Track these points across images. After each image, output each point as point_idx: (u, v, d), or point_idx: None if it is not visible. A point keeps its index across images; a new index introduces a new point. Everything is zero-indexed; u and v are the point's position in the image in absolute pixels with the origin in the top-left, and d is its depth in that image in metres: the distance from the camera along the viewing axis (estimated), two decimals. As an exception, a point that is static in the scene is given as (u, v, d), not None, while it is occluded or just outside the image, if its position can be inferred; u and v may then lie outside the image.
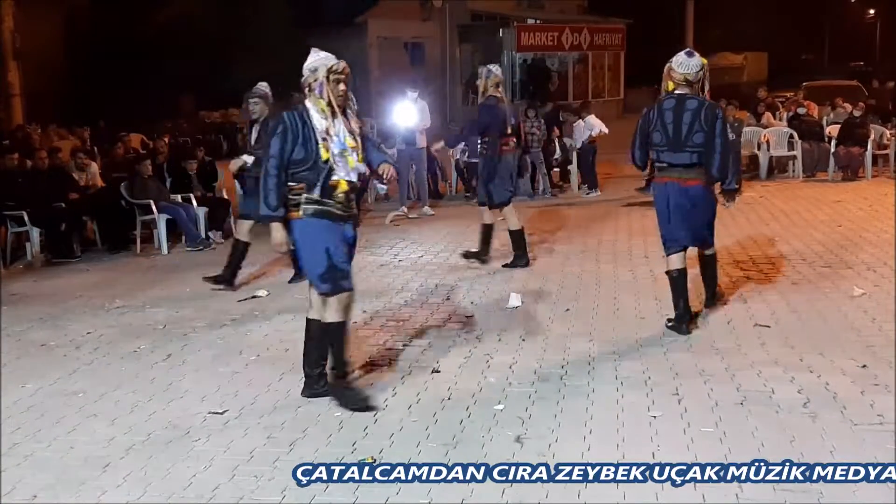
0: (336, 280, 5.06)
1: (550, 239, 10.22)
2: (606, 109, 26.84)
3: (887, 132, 15.50)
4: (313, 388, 5.30)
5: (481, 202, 8.84)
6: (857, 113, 15.29)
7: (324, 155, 4.98)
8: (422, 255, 9.59)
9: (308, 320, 5.32)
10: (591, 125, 14.39)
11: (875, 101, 18.74)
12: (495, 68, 8.85)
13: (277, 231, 5.09)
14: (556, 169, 14.84)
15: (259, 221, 7.10)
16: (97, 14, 24.06)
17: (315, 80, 5.09)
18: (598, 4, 34.41)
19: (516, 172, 8.95)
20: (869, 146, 14.62)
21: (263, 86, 8.38)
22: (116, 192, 10.65)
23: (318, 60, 5.12)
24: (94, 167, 12.03)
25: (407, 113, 12.59)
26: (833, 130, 15.25)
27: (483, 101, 8.71)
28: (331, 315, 5.14)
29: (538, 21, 30.44)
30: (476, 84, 8.91)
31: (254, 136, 8.30)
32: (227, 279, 8.32)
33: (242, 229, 8.43)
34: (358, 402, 5.12)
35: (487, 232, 8.89)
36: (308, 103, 5.10)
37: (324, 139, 5.00)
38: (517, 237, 8.78)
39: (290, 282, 8.31)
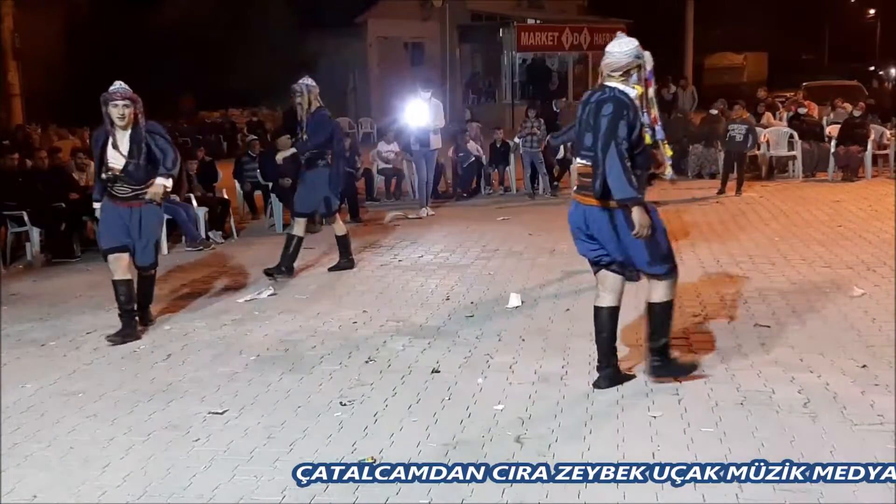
0: (674, 259, 5.14)
1: (550, 239, 10.22)
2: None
3: (887, 132, 15.51)
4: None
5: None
6: (857, 113, 15.29)
7: (647, 140, 5.02)
8: (422, 256, 9.59)
9: (601, 308, 5.24)
10: None
11: (875, 101, 18.73)
12: (311, 81, 8.61)
13: (642, 213, 4.78)
14: (556, 168, 14.82)
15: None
16: (97, 14, 24.05)
17: (637, 68, 4.98)
18: (598, 4, 34.40)
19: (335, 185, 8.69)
20: (869, 146, 14.63)
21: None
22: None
23: (637, 48, 4.99)
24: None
25: (420, 112, 12.51)
26: (833, 130, 15.26)
27: (318, 112, 8.56)
28: (664, 294, 5.12)
29: (538, 21, 30.43)
30: (299, 102, 8.57)
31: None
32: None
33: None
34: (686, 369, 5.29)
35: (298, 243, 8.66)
36: (623, 87, 4.93)
37: (644, 125, 5.01)
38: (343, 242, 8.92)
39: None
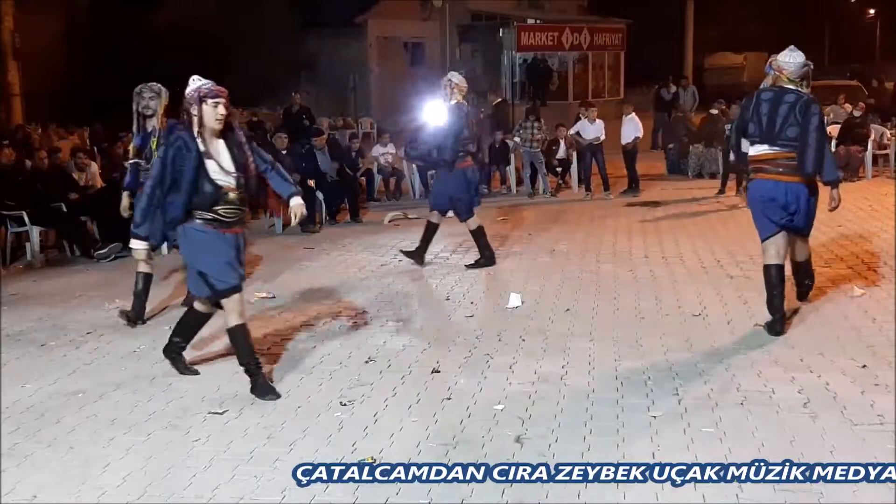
0: None
1: (550, 239, 10.22)
2: (607, 109, 26.82)
3: (887, 132, 15.50)
4: None
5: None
6: (857, 113, 15.29)
7: None
8: (422, 255, 9.58)
9: (774, 266, 6.27)
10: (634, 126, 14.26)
11: (874, 101, 18.73)
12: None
13: (839, 193, 6.41)
14: (558, 168, 14.81)
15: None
16: (97, 14, 24.05)
17: (807, 75, 6.29)
18: (598, 4, 34.38)
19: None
20: (869, 146, 14.63)
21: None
22: (116, 192, 10.63)
23: (805, 58, 6.25)
24: (94, 167, 12.02)
25: (436, 112, 12.57)
26: (833, 130, 15.25)
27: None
28: (808, 252, 6.52)
29: (538, 21, 30.40)
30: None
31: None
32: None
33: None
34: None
35: None
36: (804, 90, 6.23)
37: None
38: None
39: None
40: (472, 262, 8.85)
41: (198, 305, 5.75)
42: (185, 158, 5.18)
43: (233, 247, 5.52)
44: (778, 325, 6.23)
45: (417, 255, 8.88)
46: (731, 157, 7.28)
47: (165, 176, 5.21)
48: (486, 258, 8.80)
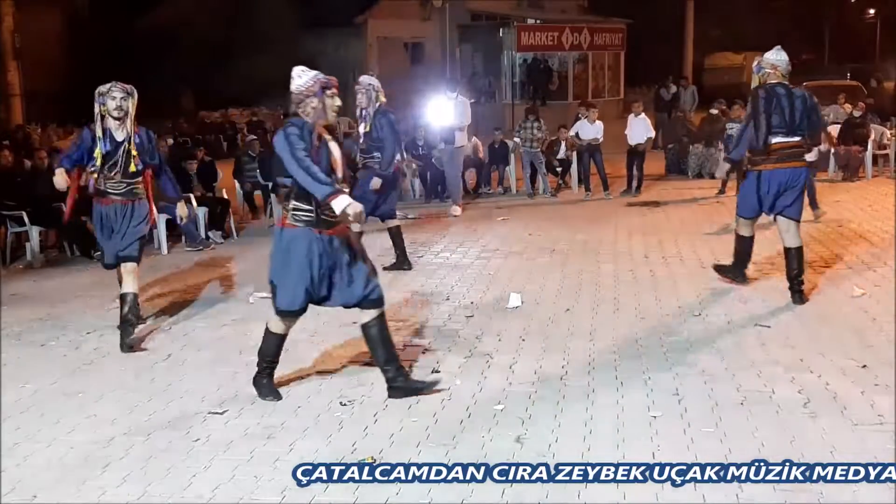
0: None
1: (550, 239, 10.22)
2: (607, 109, 26.82)
3: (888, 132, 15.50)
4: None
5: None
6: (857, 113, 15.29)
7: None
8: (422, 256, 9.58)
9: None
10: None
11: (873, 101, 18.73)
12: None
13: None
14: (559, 168, 14.80)
15: None
16: (97, 14, 24.06)
17: None
18: (598, 4, 34.36)
19: None
20: (869, 146, 14.62)
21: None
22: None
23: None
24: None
25: (445, 111, 12.68)
26: (833, 130, 15.25)
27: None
28: (799, 238, 6.93)
29: (538, 21, 30.40)
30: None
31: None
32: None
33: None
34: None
35: None
36: None
37: None
38: None
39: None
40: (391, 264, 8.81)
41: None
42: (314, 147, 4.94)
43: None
44: (742, 274, 7.50)
45: (401, 263, 8.79)
46: (733, 154, 7.46)
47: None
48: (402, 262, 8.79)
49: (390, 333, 5.34)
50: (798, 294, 7.04)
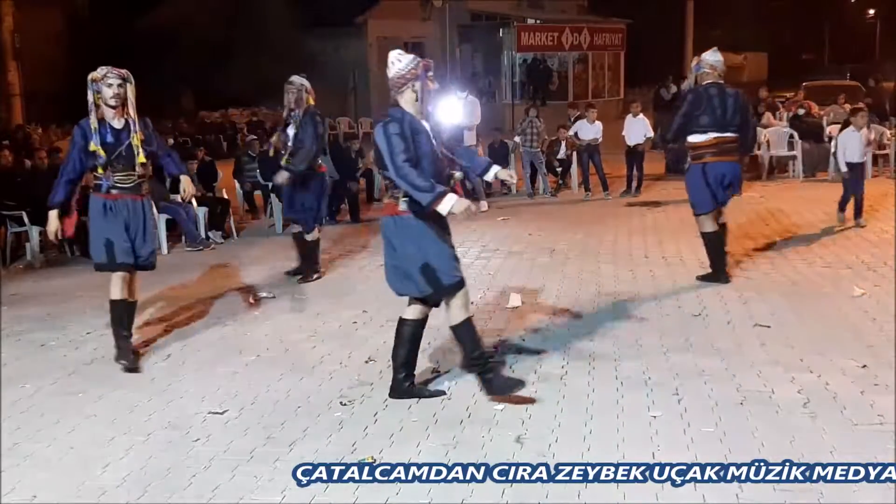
0: None
1: (550, 239, 10.22)
2: (607, 109, 26.84)
3: (888, 132, 15.49)
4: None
5: None
6: (856, 113, 15.26)
7: None
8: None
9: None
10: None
11: (871, 100, 18.72)
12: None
13: None
14: (559, 168, 14.79)
15: None
16: (97, 14, 24.06)
17: None
18: (598, 4, 34.39)
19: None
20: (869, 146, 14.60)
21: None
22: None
23: None
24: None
25: (453, 111, 12.73)
26: (833, 130, 15.24)
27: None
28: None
29: (538, 21, 30.42)
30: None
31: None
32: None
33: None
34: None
35: None
36: None
37: None
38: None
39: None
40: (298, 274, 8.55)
41: (412, 313, 5.19)
42: (420, 133, 4.84)
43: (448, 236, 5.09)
44: (724, 273, 7.76)
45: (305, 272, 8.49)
46: (664, 143, 7.99)
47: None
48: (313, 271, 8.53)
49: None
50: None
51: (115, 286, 6.08)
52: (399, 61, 4.95)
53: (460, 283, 4.97)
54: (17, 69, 20.99)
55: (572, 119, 14.55)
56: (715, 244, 7.78)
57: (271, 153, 8.89)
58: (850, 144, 10.30)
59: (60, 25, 23.74)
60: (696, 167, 7.59)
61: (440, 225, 4.97)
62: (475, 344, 5.07)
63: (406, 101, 4.91)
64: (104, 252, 6.00)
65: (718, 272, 7.76)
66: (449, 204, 4.71)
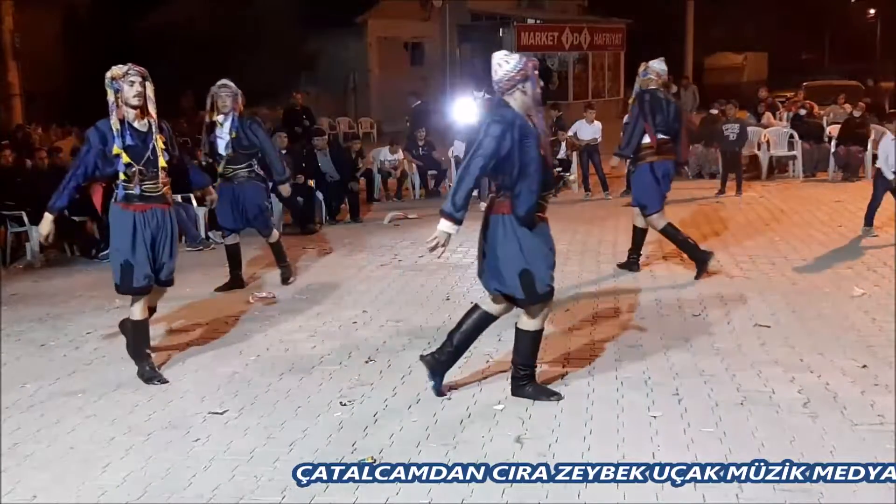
0: None
1: (550, 239, 10.20)
2: (607, 109, 26.82)
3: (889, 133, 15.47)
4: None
5: None
6: (856, 113, 15.29)
7: None
8: (422, 256, 9.57)
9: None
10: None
11: (871, 100, 18.73)
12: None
13: None
14: (559, 169, 14.79)
15: None
16: (97, 14, 24.05)
17: None
18: (598, 4, 34.38)
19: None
20: (869, 146, 14.61)
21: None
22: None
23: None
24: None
25: (468, 110, 12.78)
26: (833, 130, 15.26)
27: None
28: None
29: (538, 21, 30.40)
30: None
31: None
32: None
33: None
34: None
35: None
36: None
37: None
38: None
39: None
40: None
41: (493, 308, 5.18)
42: (529, 137, 4.77)
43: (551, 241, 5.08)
44: (703, 253, 7.97)
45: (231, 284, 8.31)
46: (625, 150, 8.09)
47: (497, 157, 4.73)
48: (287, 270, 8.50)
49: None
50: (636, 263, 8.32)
51: (137, 307, 5.75)
52: (507, 62, 4.80)
53: (551, 293, 5.04)
54: (17, 69, 20.96)
55: (554, 119, 14.58)
56: (677, 236, 8.01)
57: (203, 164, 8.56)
58: (892, 151, 9.63)
59: (60, 25, 23.71)
60: (645, 167, 7.92)
61: (545, 233, 5.04)
62: (533, 357, 5.14)
63: (516, 102, 4.81)
64: (120, 274, 5.63)
65: (699, 256, 7.95)
66: (440, 227, 4.84)
